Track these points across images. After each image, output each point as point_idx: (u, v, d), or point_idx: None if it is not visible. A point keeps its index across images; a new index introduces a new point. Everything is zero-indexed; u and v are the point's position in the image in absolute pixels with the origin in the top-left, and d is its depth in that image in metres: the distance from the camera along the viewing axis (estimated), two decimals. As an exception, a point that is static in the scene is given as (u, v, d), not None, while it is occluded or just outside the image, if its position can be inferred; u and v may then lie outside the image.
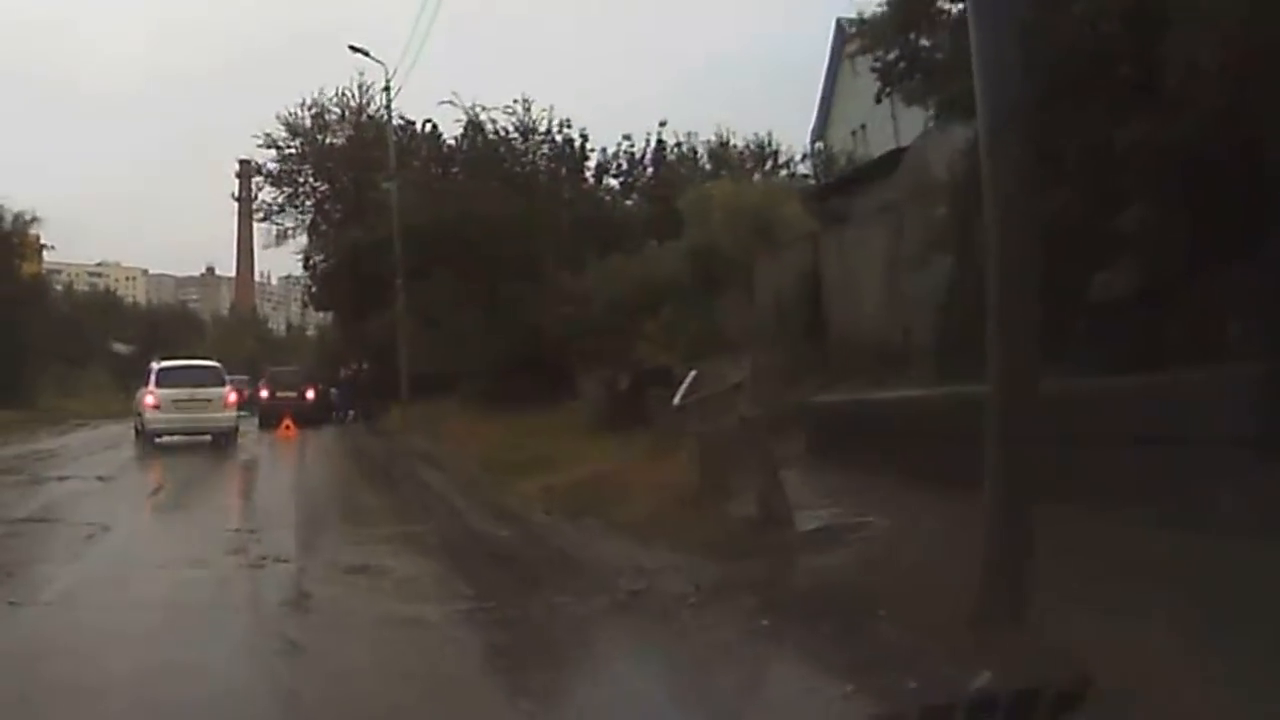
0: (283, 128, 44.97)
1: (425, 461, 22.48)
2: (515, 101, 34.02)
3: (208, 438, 27.43)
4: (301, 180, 45.66)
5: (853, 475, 13.38)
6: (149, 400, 28.04)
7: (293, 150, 45.30)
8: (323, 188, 45.62)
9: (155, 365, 29.79)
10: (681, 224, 30.36)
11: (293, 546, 12.41)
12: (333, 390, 42.80)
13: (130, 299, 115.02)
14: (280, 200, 45.61)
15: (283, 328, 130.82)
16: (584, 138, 35.56)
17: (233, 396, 28.46)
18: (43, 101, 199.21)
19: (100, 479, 19.16)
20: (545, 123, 34.31)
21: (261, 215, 45.61)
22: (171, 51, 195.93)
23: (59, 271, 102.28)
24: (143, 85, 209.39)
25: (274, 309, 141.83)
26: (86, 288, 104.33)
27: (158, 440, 27.10)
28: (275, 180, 45.55)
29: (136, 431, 28.77)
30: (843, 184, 29.91)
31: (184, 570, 10.99)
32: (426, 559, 11.88)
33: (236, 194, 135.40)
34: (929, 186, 15.81)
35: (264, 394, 37.99)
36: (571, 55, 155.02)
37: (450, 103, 33.84)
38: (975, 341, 7.90)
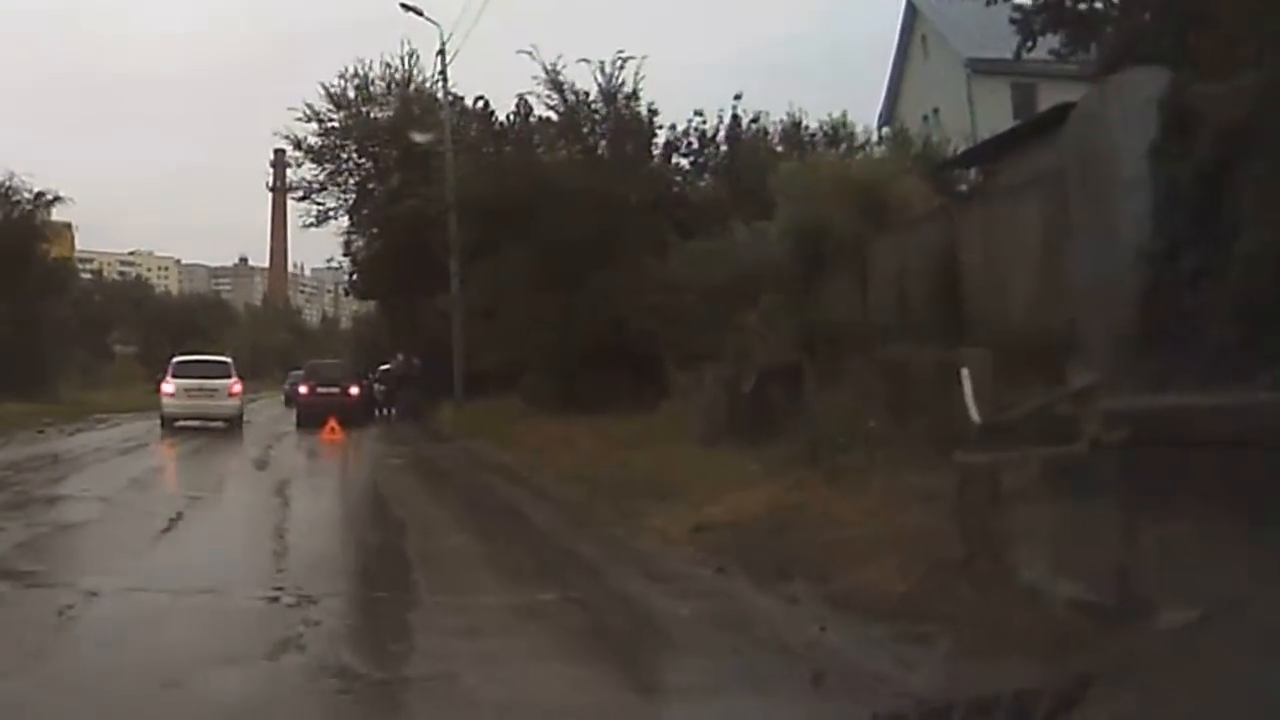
0: (325, 99, 40.53)
1: (508, 479, 18.01)
2: (605, 62, 29.31)
3: (221, 424, 29.46)
4: (344, 157, 41.18)
5: (1175, 517, 8.76)
6: (166, 389, 30.49)
7: (335, 124, 40.83)
8: (367, 164, 41.11)
9: (174, 359, 32.44)
10: (766, 205, 25.98)
11: (368, 638, 7.93)
12: (376, 386, 38.34)
13: (163, 288, 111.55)
14: (321, 178, 41.17)
15: (316, 319, 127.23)
16: (653, 112, 30.96)
17: (237, 387, 31.28)
18: (79, 90, 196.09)
19: (103, 500, 14.74)
20: (627, 87, 29.69)
21: (301, 194, 41.25)
22: (212, 40, 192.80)
23: (90, 260, 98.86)
24: (182, 73, 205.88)
25: (307, 300, 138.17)
26: (117, 277, 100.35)
27: (175, 425, 29.23)
28: (316, 156, 41.05)
29: (162, 420, 30.19)
30: (983, 152, 25.63)
31: (197, 687, 6.51)
32: (579, 664, 7.32)
33: (271, 183, 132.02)
34: (1108, 148, 12.57)
35: (303, 390, 33.55)
36: (632, 30, 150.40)
37: (529, 53, 29.24)
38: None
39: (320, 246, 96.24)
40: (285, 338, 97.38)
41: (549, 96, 29.40)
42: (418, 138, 35.82)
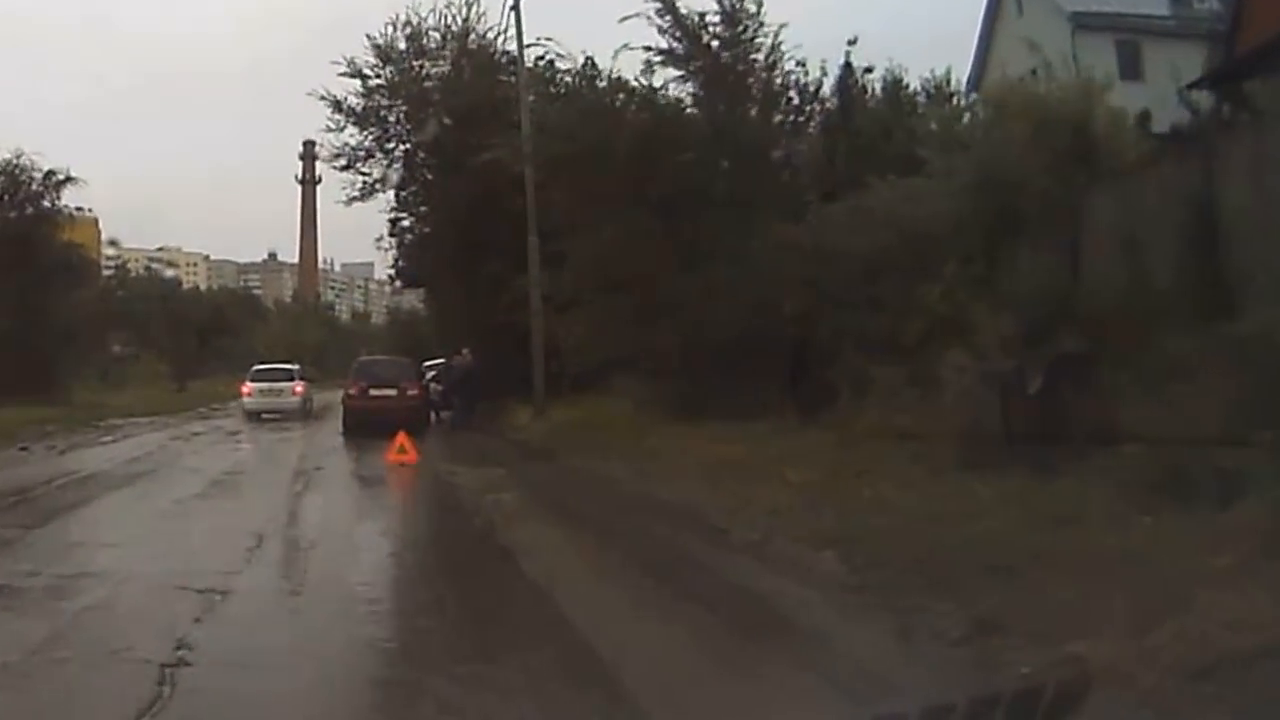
0: (371, 52, 33.53)
1: (706, 537, 11.03)
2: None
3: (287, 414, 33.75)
4: (392, 119, 34.15)
5: None
6: (245, 389, 35.88)
7: (382, 80, 33.81)
8: (418, 124, 34.12)
9: (253, 368, 38.36)
10: (892, 164, 19.89)
11: None
12: (433, 386, 31.31)
13: (191, 284, 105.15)
14: (367, 143, 34.11)
15: (346, 315, 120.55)
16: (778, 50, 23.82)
17: (299, 388, 36.51)
18: (108, 89, 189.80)
19: (84, 605, 7.79)
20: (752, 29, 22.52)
21: (344, 162, 34.12)
22: (247, 36, 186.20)
23: (117, 257, 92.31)
24: (212, 69, 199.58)
25: (337, 296, 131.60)
26: (143, 273, 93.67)
27: (258, 418, 33.51)
28: (359, 119, 33.99)
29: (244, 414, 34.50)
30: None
31: None
32: None
33: (300, 176, 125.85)
34: None
35: (353, 392, 26.63)
36: None
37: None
38: None
39: (351, 241, 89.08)
40: (319, 333, 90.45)
41: (660, 21, 22.31)
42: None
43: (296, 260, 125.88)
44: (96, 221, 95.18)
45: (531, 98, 26.11)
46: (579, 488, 15.08)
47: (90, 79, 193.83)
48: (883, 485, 12.03)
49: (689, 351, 20.29)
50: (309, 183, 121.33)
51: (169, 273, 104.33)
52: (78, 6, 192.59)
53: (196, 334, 70.40)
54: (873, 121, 24.97)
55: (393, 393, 26.04)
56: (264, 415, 33.59)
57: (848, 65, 26.00)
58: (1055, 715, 2.83)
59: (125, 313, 65.91)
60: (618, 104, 21.51)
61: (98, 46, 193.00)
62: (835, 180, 21.61)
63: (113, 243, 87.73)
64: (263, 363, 41.24)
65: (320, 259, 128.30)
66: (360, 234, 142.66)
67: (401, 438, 18.16)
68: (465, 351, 30.48)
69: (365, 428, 25.08)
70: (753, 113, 21.53)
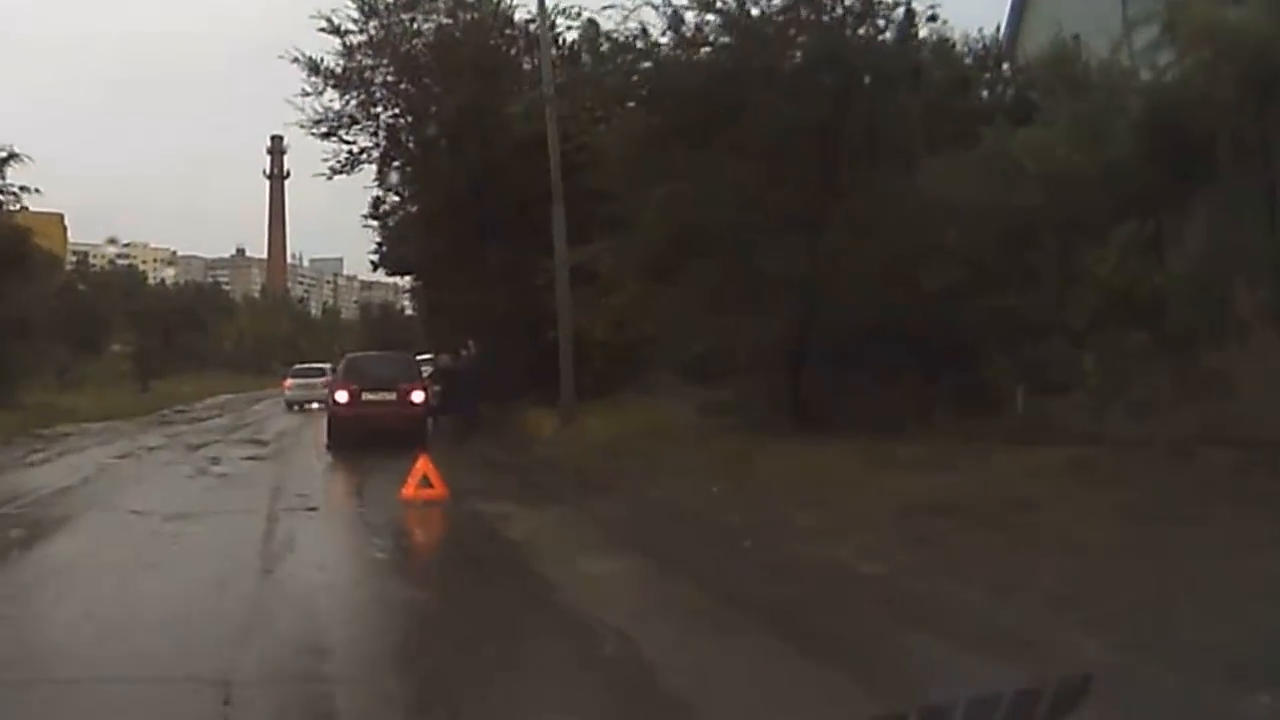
0: (352, 6, 27.79)
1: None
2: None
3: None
4: (378, 80, 28.42)
5: None
6: (287, 384, 41.82)
7: (365, 37, 28.09)
8: (407, 89, 28.50)
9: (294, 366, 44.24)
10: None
11: None
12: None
13: (158, 280, 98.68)
14: (351, 108, 28.31)
15: (316, 311, 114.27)
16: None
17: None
18: (73, 83, 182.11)
19: None
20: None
21: (324, 129, 28.25)
22: (213, 28, 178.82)
23: (84, 252, 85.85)
24: (177, 61, 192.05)
25: (306, 291, 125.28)
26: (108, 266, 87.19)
27: (296, 408, 38.06)
28: (340, 82, 28.25)
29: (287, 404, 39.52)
30: None
31: None
32: None
33: (269, 171, 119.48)
34: None
35: (341, 397, 21.04)
36: None
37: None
38: None
39: (320, 237, 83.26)
40: (289, 327, 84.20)
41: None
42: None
43: (265, 255, 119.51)
44: (62, 218, 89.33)
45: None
46: (719, 553, 9.56)
47: (55, 75, 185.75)
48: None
49: (801, 340, 14.95)
50: (277, 178, 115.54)
51: (140, 265, 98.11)
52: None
53: (162, 330, 64.15)
54: (950, 68, 19.65)
55: (391, 397, 20.46)
56: (302, 405, 38.09)
57: (909, 12, 20.60)
58: (1055, 715, 2.68)
59: (85, 308, 59.71)
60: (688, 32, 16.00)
61: (64, 43, 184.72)
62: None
63: (75, 251, 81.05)
64: (302, 362, 47.18)
65: (289, 254, 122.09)
66: (330, 229, 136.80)
67: (423, 463, 12.62)
68: (469, 345, 24.94)
69: (357, 442, 19.57)
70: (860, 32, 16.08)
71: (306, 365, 44.40)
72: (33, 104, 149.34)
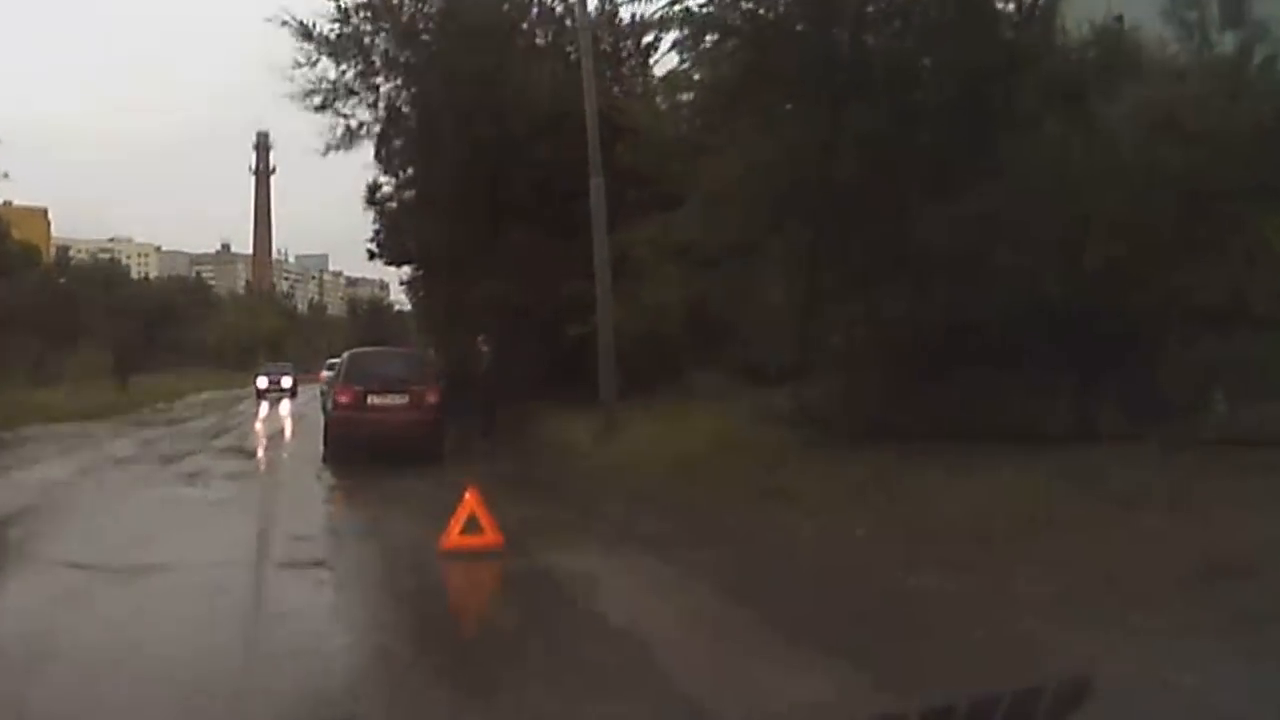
0: (351, -40, 24.15)
1: None
2: None
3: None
4: (379, 45, 24.74)
5: None
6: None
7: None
8: (408, 60, 24.90)
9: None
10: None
11: None
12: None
13: (142, 275, 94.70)
14: (348, 78, 24.62)
15: (302, 307, 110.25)
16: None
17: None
18: (54, 70, 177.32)
19: None
20: None
21: (319, 100, 24.52)
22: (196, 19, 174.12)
23: (68, 247, 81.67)
24: (162, 54, 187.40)
25: (291, 287, 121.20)
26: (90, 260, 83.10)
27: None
28: (335, 50, 24.57)
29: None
30: None
31: None
32: None
33: (254, 167, 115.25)
34: None
35: (343, 399, 17.32)
36: None
37: None
38: None
39: (305, 233, 79.49)
40: (276, 324, 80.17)
41: None
42: None
43: (250, 251, 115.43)
44: (46, 213, 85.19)
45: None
46: (952, 653, 5.95)
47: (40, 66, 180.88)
48: None
49: (934, 329, 11.48)
50: (263, 173, 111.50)
51: (124, 260, 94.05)
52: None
53: (144, 325, 60.22)
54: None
55: (402, 401, 16.81)
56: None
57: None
58: (1055, 715, 2.65)
59: (64, 302, 55.81)
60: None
61: (46, 33, 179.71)
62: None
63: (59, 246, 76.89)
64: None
65: (274, 250, 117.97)
66: (315, 226, 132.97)
67: (471, 500, 8.99)
68: (481, 341, 21.34)
69: (360, 453, 15.99)
70: None
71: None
72: (17, 97, 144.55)
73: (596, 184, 18.02)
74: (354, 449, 16.37)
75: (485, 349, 20.90)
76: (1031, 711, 2.58)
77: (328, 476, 15.47)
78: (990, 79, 11.77)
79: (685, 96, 14.44)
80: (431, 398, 16.98)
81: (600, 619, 7.07)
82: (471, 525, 9.03)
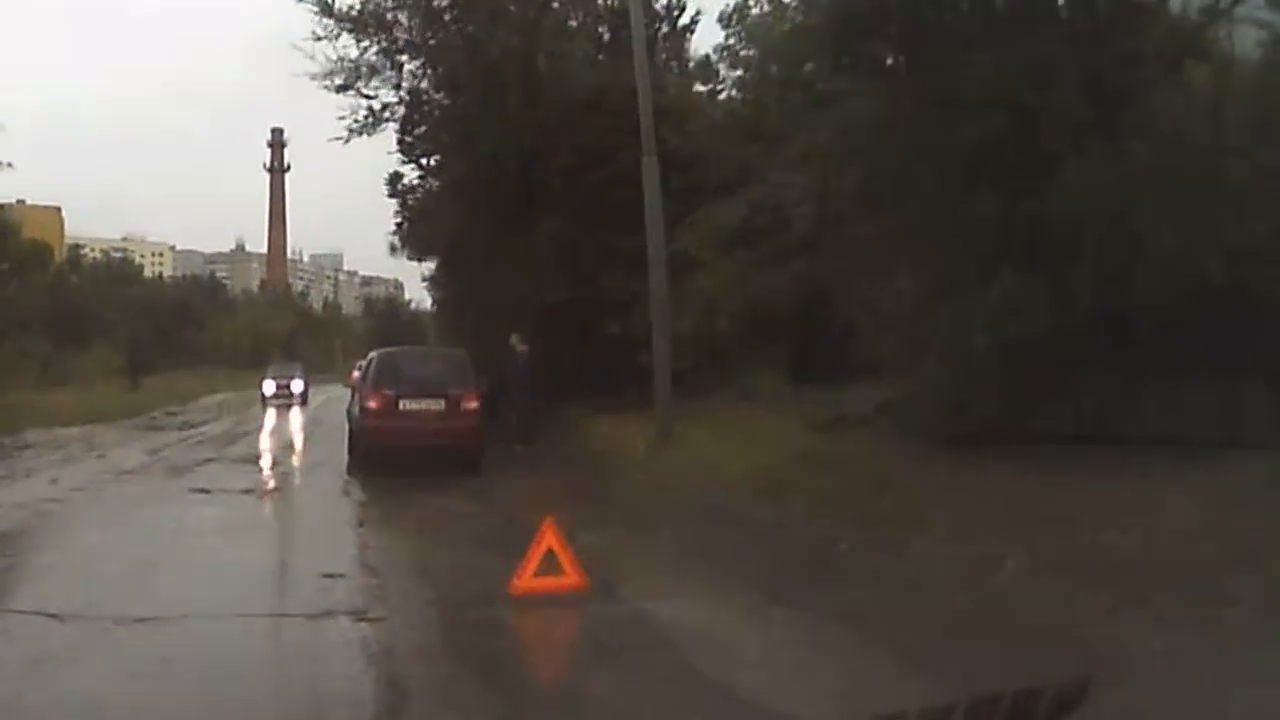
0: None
1: None
2: None
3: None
4: (404, 20, 22.86)
5: None
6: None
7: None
8: (431, 42, 23.07)
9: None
10: None
11: None
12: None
13: (156, 274, 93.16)
14: (371, 56, 22.74)
15: (317, 306, 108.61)
16: None
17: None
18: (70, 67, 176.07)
19: None
20: None
21: (341, 80, 22.61)
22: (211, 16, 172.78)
23: (80, 247, 79.96)
24: (178, 51, 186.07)
25: (306, 287, 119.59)
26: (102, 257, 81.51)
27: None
28: (356, 25, 22.70)
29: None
30: None
31: None
32: None
33: (268, 164, 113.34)
34: None
35: (372, 404, 15.27)
36: None
37: None
38: None
39: (320, 232, 77.94)
40: (293, 323, 78.45)
41: None
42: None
43: (265, 250, 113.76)
44: (59, 211, 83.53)
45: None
46: None
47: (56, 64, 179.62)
48: None
49: (1070, 317, 9.57)
50: (277, 171, 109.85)
51: (138, 259, 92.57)
52: None
53: (157, 324, 58.51)
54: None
55: (439, 405, 14.91)
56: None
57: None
58: (1055, 715, 2.62)
59: (75, 301, 54.16)
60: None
61: (64, 31, 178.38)
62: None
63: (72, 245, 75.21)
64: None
65: (289, 249, 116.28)
66: (330, 224, 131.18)
67: (549, 535, 7.12)
68: (515, 339, 19.45)
69: (390, 465, 14.15)
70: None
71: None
72: (32, 94, 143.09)
73: (649, 163, 16.15)
74: (383, 460, 14.52)
75: (522, 347, 18.95)
76: (1031, 711, 2.53)
77: (356, 492, 13.58)
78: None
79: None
80: (471, 403, 15.10)
81: (749, 704, 5.19)
82: (549, 563, 7.17)
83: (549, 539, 7.20)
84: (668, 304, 16.11)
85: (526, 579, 7.15)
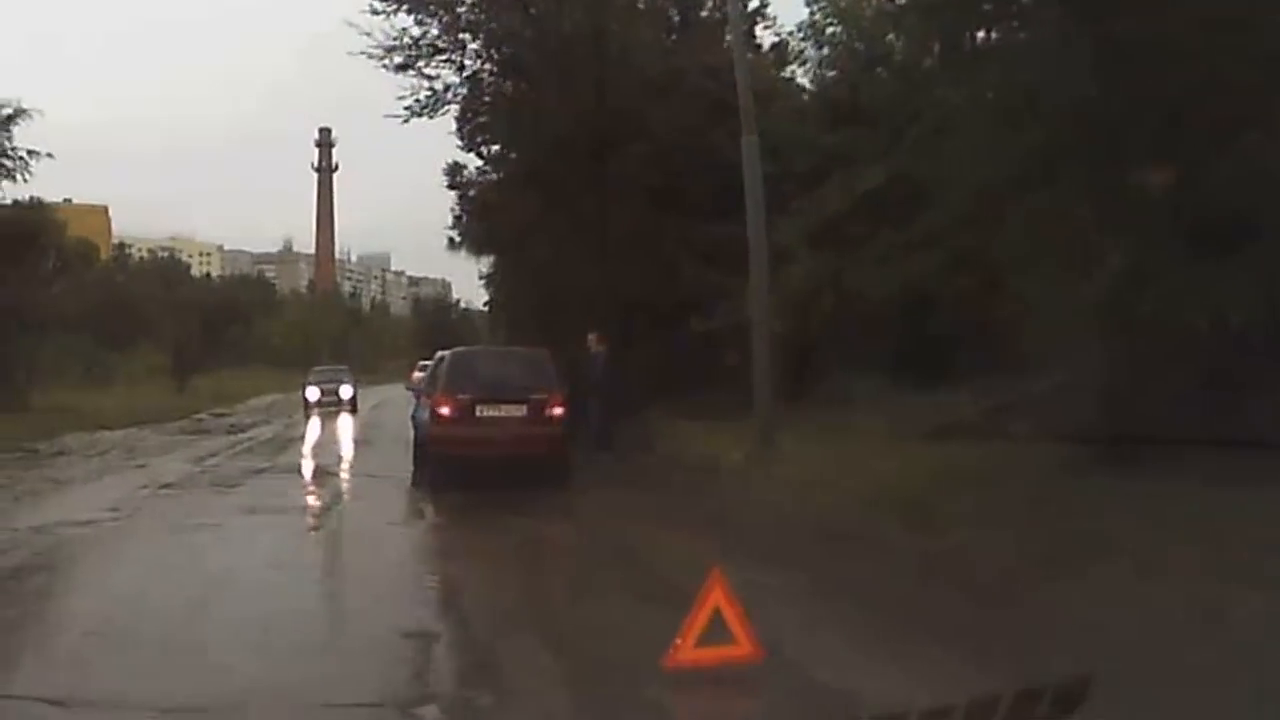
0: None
1: None
2: None
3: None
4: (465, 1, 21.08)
5: None
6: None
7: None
8: (493, 22, 21.26)
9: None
10: None
11: None
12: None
13: (204, 274, 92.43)
14: (433, 33, 20.94)
15: (365, 306, 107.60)
16: None
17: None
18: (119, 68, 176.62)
19: None
20: None
21: (400, 59, 20.76)
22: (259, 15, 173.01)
23: (129, 247, 79.04)
24: (225, 51, 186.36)
25: (354, 287, 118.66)
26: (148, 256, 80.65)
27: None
28: (415, 6, 20.94)
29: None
30: None
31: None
32: None
33: (316, 164, 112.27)
34: None
35: (444, 410, 13.49)
36: None
37: None
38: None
39: (368, 233, 76.86)
40: (342, 324, 77.13)
41: None
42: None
43: (313, 250, 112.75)
44: (106, 211, 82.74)
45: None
46: None
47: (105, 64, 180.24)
48: None
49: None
50: (325, 171, 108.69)
51: (185, 259, 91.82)
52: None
53: (204, 324, 57.18)
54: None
55: (521, 411, 13.07)
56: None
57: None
58: (1055, 715, 2.57)
59: (121, 300, 52.87)
60: None
61: (116, 39, 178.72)
62: None
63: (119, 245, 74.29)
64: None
65: (337, 249, 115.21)
66: (377, 224, 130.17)
67: (717, 592, 5.24)
68: (592, 338, 17.68)
69: (463, 479, 12.33)
70: None
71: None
72: (81, 94, 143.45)
73: (750, 142, 14.33)
74: (456, 473, 12.71)
75: (600, 348, 17.20)
76: (1031, 711, 2.50)
77: (430, 512, 11.76)
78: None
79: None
80: (556, 408, 13.24)
81: None
82: (717, 629, 5.30)
83: (717, 599, 5.32)
84: (766, 302, 14.29)
85: (688, 649, 5.27)
